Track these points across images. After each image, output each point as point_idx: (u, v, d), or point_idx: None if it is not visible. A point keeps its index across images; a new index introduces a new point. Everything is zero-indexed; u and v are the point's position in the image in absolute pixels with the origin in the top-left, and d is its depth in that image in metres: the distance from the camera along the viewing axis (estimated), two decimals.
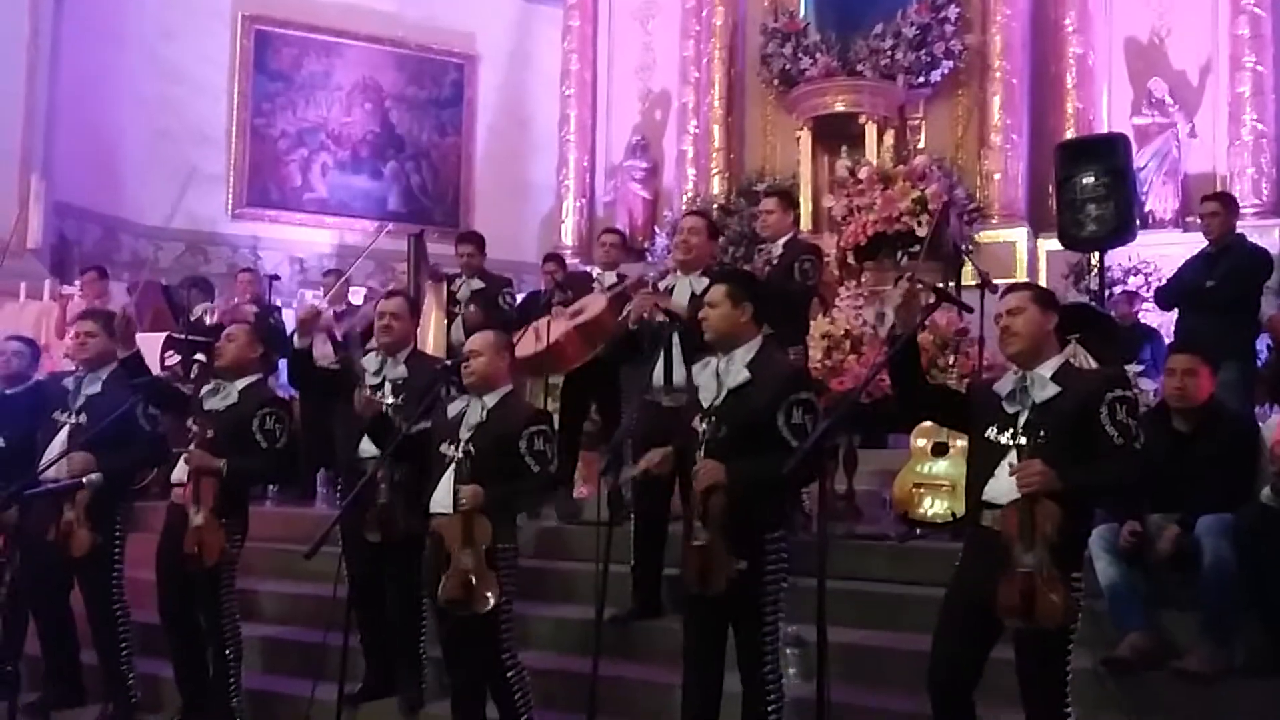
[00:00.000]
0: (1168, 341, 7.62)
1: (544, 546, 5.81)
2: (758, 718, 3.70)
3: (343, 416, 5.04)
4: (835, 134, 10.64)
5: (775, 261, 5.71)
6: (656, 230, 12.00)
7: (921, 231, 7.53)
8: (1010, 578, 3.25)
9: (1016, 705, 3.44)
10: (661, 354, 4.57)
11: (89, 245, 11.39)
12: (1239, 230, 6.63)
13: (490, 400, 4.24)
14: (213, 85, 12.60)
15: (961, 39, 10.64)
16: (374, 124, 13.34)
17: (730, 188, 11.46)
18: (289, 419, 4.95)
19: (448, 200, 13.68)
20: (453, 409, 4.31)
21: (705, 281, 4.64)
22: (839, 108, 10.54)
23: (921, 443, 5.74)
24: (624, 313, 5.12)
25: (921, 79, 10.69)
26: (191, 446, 4.75)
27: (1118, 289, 8.70)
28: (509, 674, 4.14)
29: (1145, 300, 8.51)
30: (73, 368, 5.52)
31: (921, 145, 10.51)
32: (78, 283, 9.13)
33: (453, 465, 4.14)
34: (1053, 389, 3.38)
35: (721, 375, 3.73)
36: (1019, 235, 10.22)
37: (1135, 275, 9.10)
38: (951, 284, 7.61)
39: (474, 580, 4.03)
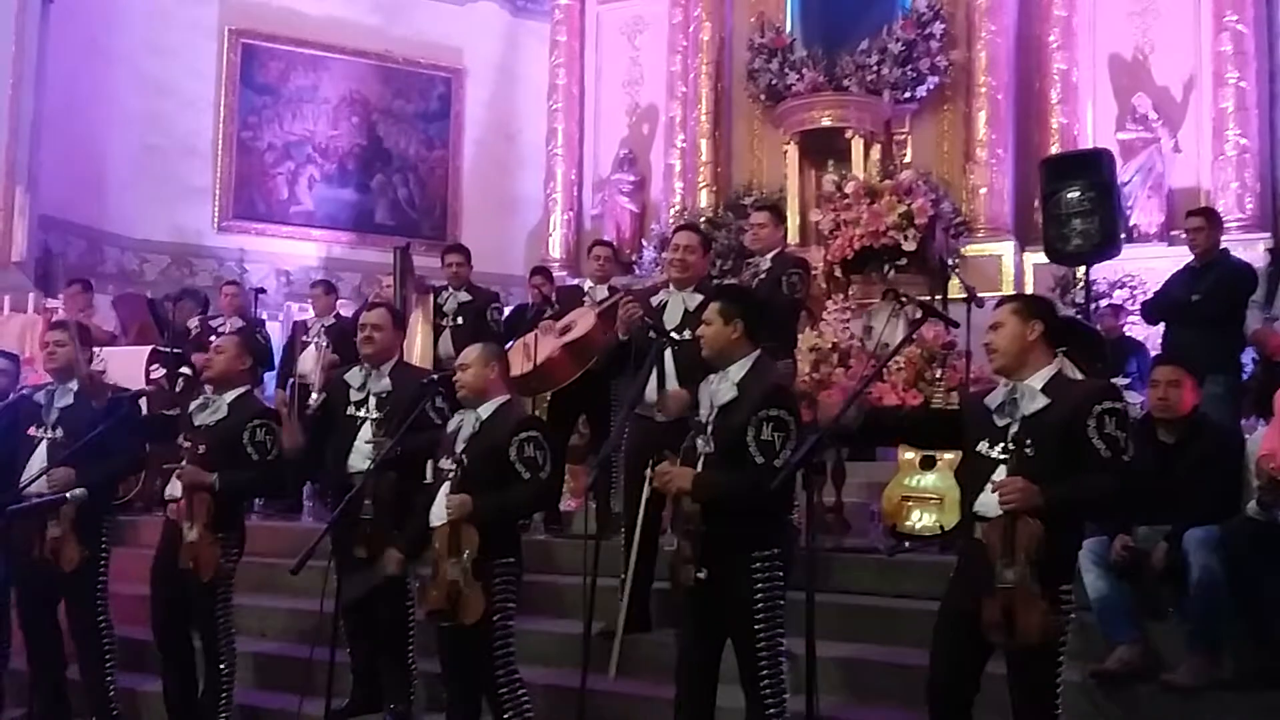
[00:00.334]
0: (1153, 354, 7.67)
1: (531, 559, 5.75)
2: None
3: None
4: (822, 148, 10.69)
5: (763, 275, 5.73)
6: (644, 243, 12.01)
7: (908, 245, 7.56)
8: (992, 594, 3.25)
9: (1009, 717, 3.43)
10: (655, 369, 4.56)
11: (74, 258, 11.33)
12: (1223, 245, 6.69)
13: (485, 412, 4.22)
14: (199, 98, 12.56)
15: (947, 55, 10.71)
16: (361, 137, 13.32)
17: (717, 201, 11.48)
18: (279, 431, 4.92)
19: (435, 214, 13.66)
20: (451, 424, 4.30)
21: (698, 298, 4.69)
22: (825, 122, 10.59)
23: (910, 456, 5.76)
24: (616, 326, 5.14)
25: (907, 94, 10.74)
26: (183, 463, 4.74)
27: (1103, 302, 8.74)
28: (502, 689, 4.09)
29: (1130, 313, 8.56)
30: None
31: (908, 160, 10.55)
32: (61, 295, 9.09)
33: (448, 479, 4.14)
34: (1042, 401, 3.36)
35: (713, 393, 3.77)
36: (1005, 249, 10.27)
37: (1120, 289, 9.15)
38: (938, 297, 7.65)
39: (460, 591, 4.01)
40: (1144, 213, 10.15)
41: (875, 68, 10.63)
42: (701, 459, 3.72)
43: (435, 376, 4.71)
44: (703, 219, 11.05)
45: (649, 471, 3.87)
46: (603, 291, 6.82)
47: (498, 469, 4.08)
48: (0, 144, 10.03)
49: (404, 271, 7.92)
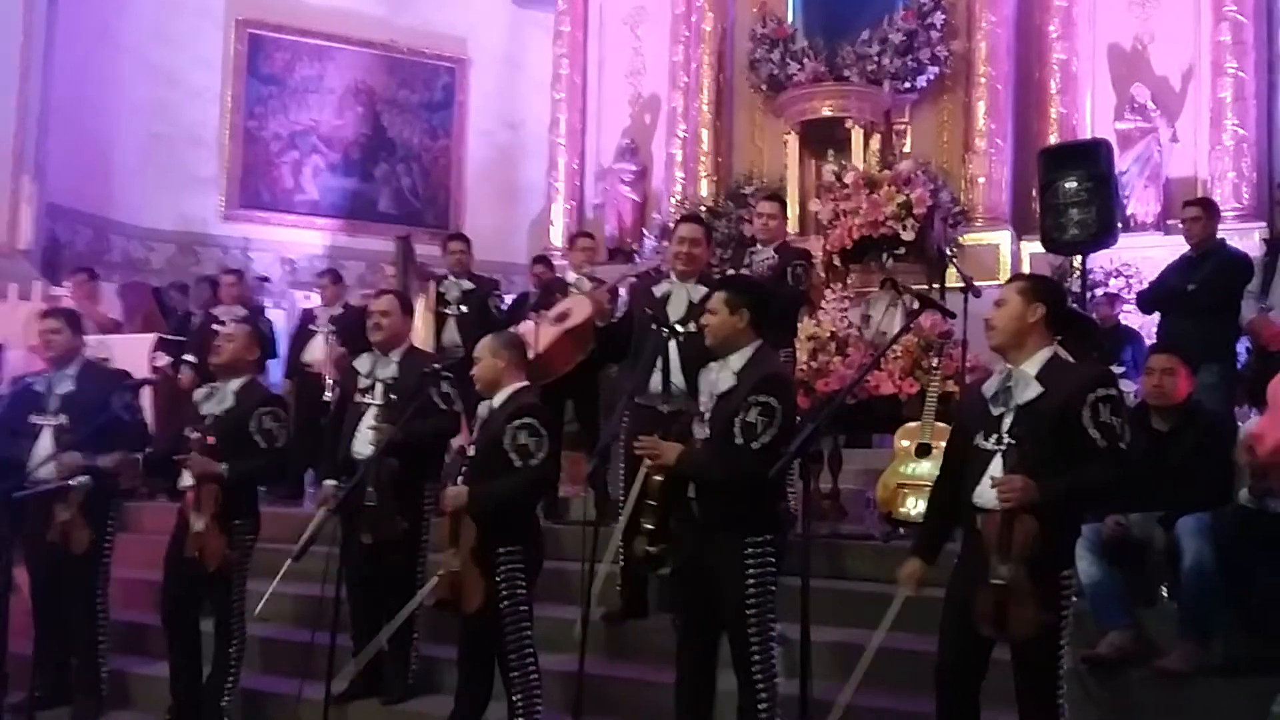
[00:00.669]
0: (1149, 343, 7.70)
1: None
2: (750, 713, 3.75)
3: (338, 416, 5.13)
4: (822, 138, 10.70)
5: (773, 265, 5.79)
6: (645, 232, 12.06)
7: (906, 235, 7.60)
8: (985, 588, 3.25)
9: (1013, 706, 3.46)
10: (660, 360, 4.61)
11: (80, 246, 11.39)
12: (1220, 234, 6.72)
13: (497, 401, 4.29)
14: (205, 88, 12.61)
15: (947, 45, 10.72)
16: (365, 127, 13.36)
17: (718, 191, 11.49)
18: (286, 417, 5.00)
19: (438, 203, 13.71)
20: (480, 413, 4.37)
21: (702, 289, 4.72)
22: (826, 112, 10.61)
23: (905, 443, 5.80)
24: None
25: (907, 84, 10.75)
26: (192, 454, 4.79)
27: (1099, 291, 8.77)
28: (514, 673, 4.18)
29: (1126, 302, 8.59)
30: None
31: (907, 149, 10.55)
32: (67, 284, 9.15)
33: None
34: (1035, 389, 3.32)
35: (713, 381, 3.82)
36: (1002, 238, 10.29)
37: (1117, 278, 9.17)
38: (936, 286, 7.69)
39: (461, 581, 4.10)
40: (1141, 202, 10.18)
41: (876, 58, 10.64)
42: (698, 444, 3.79)
43: (437, 366, 4.77)
44: (703, 208, 11.09)
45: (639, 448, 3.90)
46: (587, 282, 6.88)
47: (497, 458, 4.13)
48: (8, 132, 10.09)
49: (406, 260, 7.98)
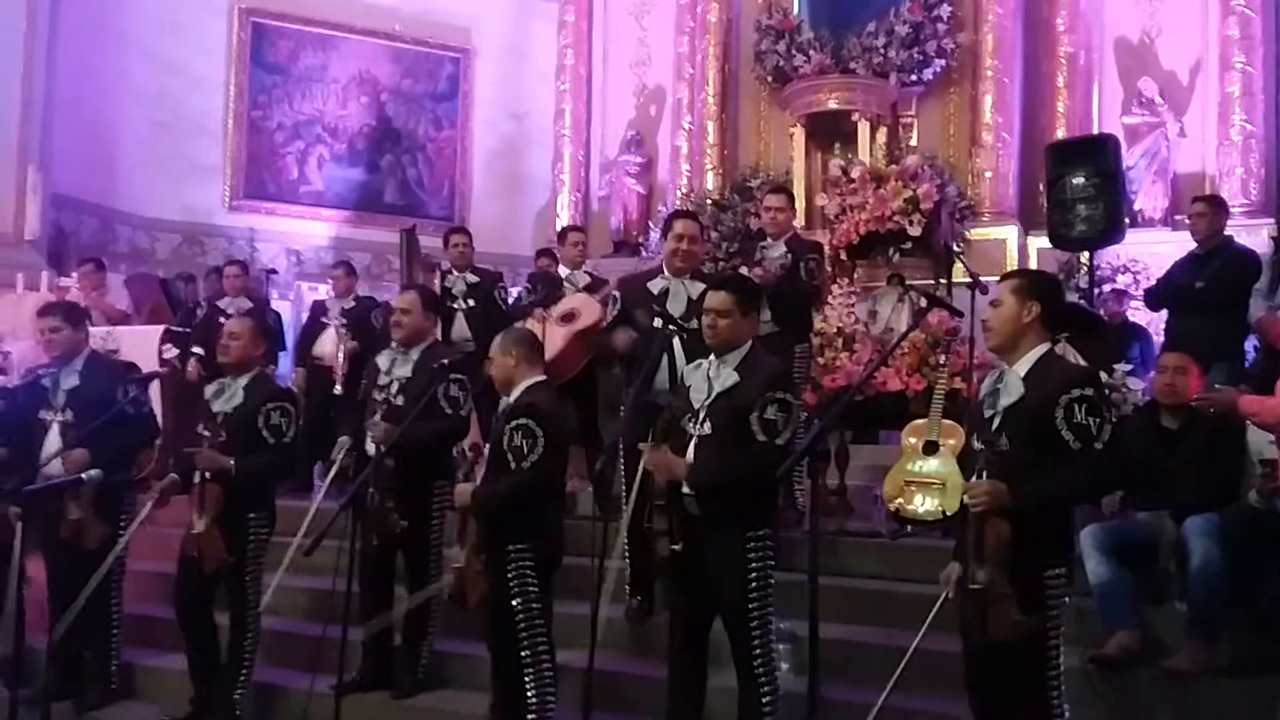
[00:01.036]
0: (1156, 340, 7.71)
1: None
2: (754, 713, 3.78)
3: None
4: (828, 131, 10.70)
5: (785, 260, 5.79)
6: (650, 225, 12.04)
7: (913, 230, 7.60)
8: (966, 593, 3.28)
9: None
10: (665, 358, 4.62)
11: (86, 236, 11.37)
12: (1227, 230, 6.71)
13: (510, 399, 4.33)
14: (209, 78, 12.56)
15: (954, 38, 10.70)
16: (370, 117, 13.33)
17: (724, 183, 11.48)
18: (295, 412, 4.99)
19: (443, 193, 13.68)
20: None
21: (699, 286, 4.75)
22: (832, 105, 10.60)
23: (913, 440, 5.78)
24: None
25: (914, 77, 10.75)
26: (201, 448, 4.81)
27: (1107, 287, 8.77)
28: (528, 670, 4.23)
29: (1134, 298, 8.58)
30: None
31: (914, 143, 10.56)
32: (74, 274, 9.15)
33: None
34: (1019, 392, 3.32)
35: (713, 378, 3.84)
36: (1009, 233, 10.29)
37: (1124, 274, 9.17)
38: (942, 281, 7.68)
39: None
40: (1148, 197, 10.17)
41: (882, 50, 10.63)
42: (694, 441, 3.80)
43: (445, 361, 4.78)
44: (709, 201, 11.10)
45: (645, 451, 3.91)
46: (581, 277, 6.87)
47: (501, 457, 4.20)
48: (12, 123, 10.07)
49: (410, 252, 7.99)
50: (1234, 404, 4.50)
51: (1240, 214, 9.14)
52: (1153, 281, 7.41)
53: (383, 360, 5.07)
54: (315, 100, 13.09)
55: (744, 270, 5.77)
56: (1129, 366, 6.08)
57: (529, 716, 4.22)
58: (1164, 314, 6.95)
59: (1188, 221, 6.86)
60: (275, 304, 9.66)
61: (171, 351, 7.85)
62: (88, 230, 11.50)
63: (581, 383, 6.18)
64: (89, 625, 5.20)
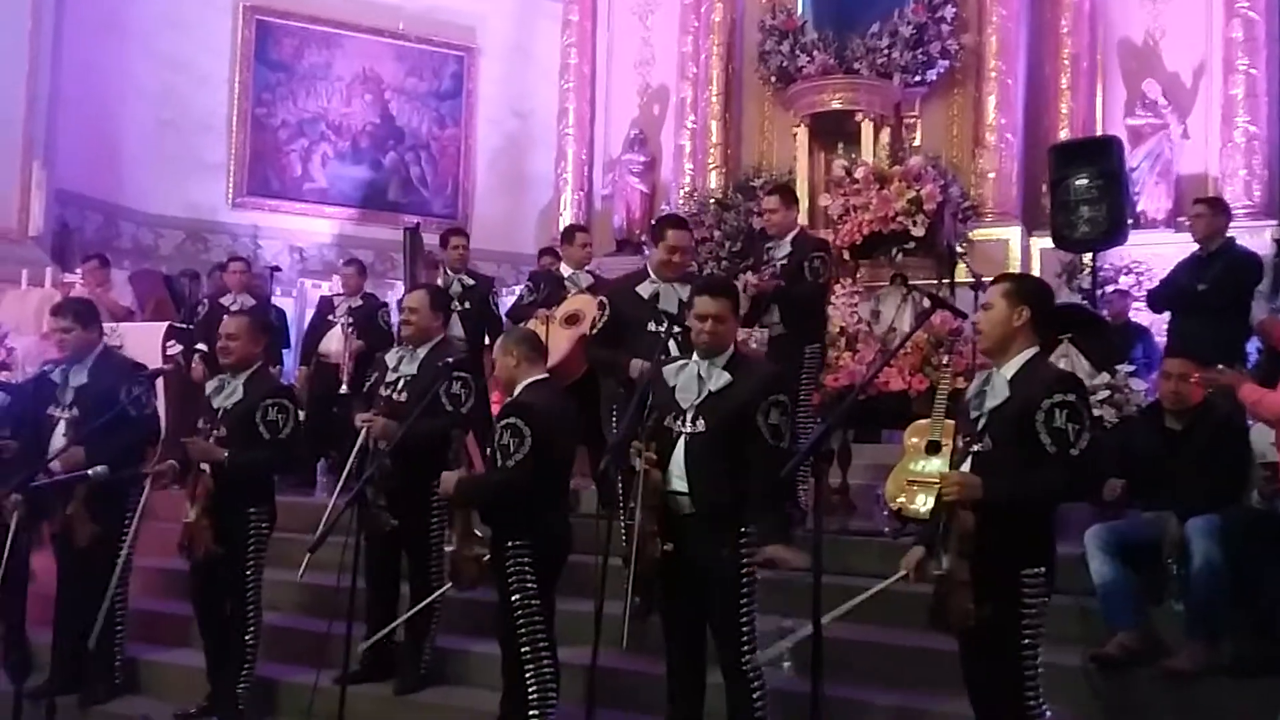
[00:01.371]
0: (1159, 341, 7.71)
1: None
2: (747, 711, 3.82)
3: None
4: (831, 131, 10.69)
5: (784, 261, 5.79)
6: (655, 222, 12.02)
7: (916, 231, 7.61)
8: (931, 579, 3.33)
9: None
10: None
11: (90, 233, 11.40)
12: (1230, 233, 6.72)
13: (512, 397, 4.39)
14: (214, 75, 12.58)
15: (958, 39, 10.68)
16: (374, 115, 13.33)
17: (727, 183, 11.47)
18: (293, 409, 5.00)
19: (447, 192, 13.68)
20: None
21: (686, 287, 4.70)
22: (835, 105, 10.57)
23: (915, 440, 5.79)
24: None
25: (918, 78, 10.72)
26: (193, 438, 4.83)
27: (1110, 288, 8.77)
28: (528, 666, 4.25)
29: (1137, 299, 8.58)
30: None
31: (917, 143, 10.55)
32: (79, 270, 9.16)
33: None
34: (1003, 394, 3.36)
35: (704, 378, 3.87)
36: (1012, 234, 10.28)
37: (1127, 275, 9.17)
38: (945, 281, 7.70)
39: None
40: (1151, 199, 10.17)
41: (886, 51, 10.61)
42: (684, 439, 3.83)
43: (450, 360, 4.79)
44: (712, 200, 11.11)
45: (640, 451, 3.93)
46: (585, 278, 6.86)
47: (493, 455, 4.27)
48: (18, 119, 10.10)
49: (414, 250, 7.99)
50: (1235, 387, 4.52)
51: (1243, 216, 9.15)
52: (1155, 283, 7.41)
53: (390, 358, 5.12)
54: (319, 98, 13.09)
55: (746, 277, 5.78)
56: (1132, 367, 6.09)
57: (531, 712, 4.24)
58: (1166, 315, 6.96)
59: (1187, 223, 6.86)
60: (278, 301, 9.66)
61: (175, 348, 7.86)
62: (92, 226, 11.53)
63: (584, 382, 6.18)
64: (94, 620, 5.21)
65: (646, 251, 11.48)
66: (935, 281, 7.83)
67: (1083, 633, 4.47)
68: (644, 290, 4.99)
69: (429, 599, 4.77)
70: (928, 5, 10.71)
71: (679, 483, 3.81)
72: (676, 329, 4.66)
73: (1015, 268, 9.78)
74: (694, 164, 11.95)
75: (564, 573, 4.61)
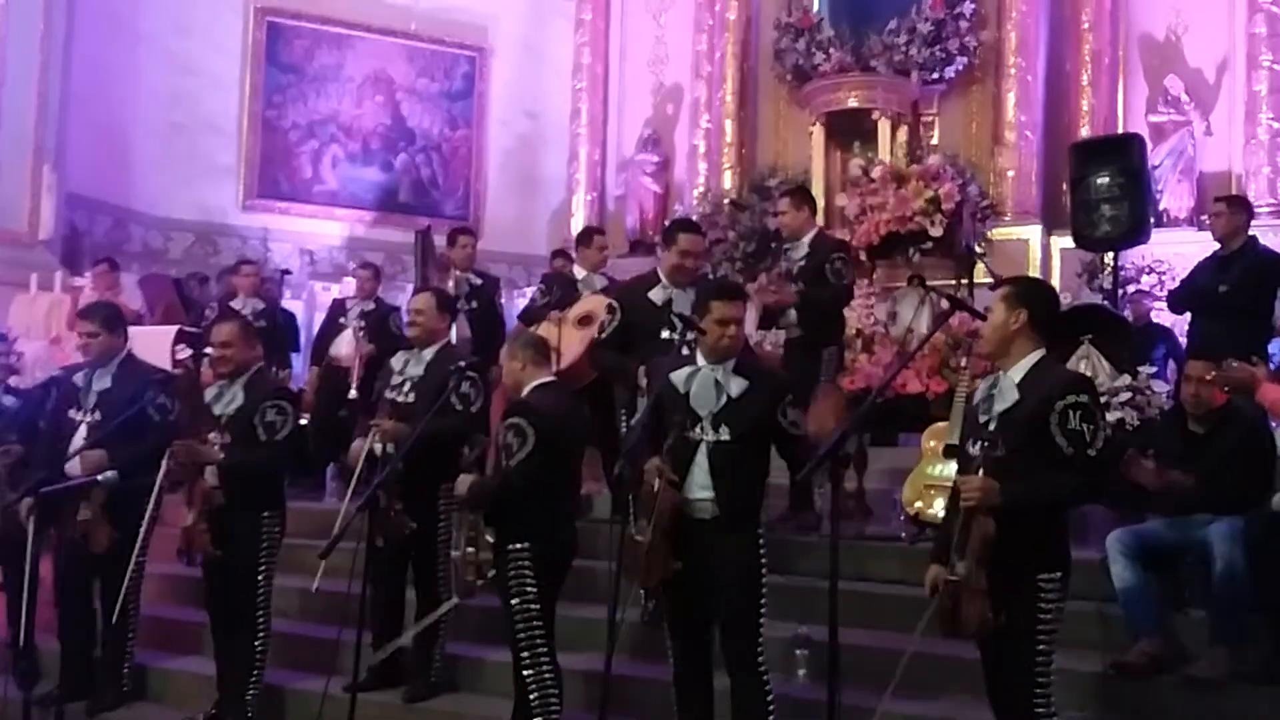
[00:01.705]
0: (1182, 341, 7.60)
1: None
2: (759, 709, 3.84)
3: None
4: (848, 130, 10.62)
5: (802, 263, 5.72)
6: (667, 225, 11.95)
7: (934, 231, 7.52)
8: (944, 585, 3.31)
9: None
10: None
11: (99, 236, 11.38)
12: (1254, 231, 6.60)
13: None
14: (224, 77, 12.54)
15: (976, 35, 10.57)
16: (385, 116, 13.28)
17: (742, 183, 11.40)
18: (293, 411, 4.97)
19: (458, 193, 13.62)
20: None
21: (693, 290, 4.69)
22: (852, 103, 10.50)
23: (932, 444, 5.71)
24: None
25: (936, 75, 10.63)
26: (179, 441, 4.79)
27: (1131, 288, 8.66)
28: (527, 672, 4.24)
29: (1159, 299, 8.47)
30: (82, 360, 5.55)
31: (935, 141, 10.47)
32: (88, 274, 9.15)
33: None
34: (1013, 397, 3.36)
35: (722, 383, 3.88)
36: (1032, 233, 10.18)
37: (1149, 274, 9.06)
38: (964, 282, 7.61)
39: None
40: (1174, 197, 10.06)
41: (903, 48, 10.51)
42: (706, 447, 3.83)
43: (463, 364, 4.76)
44: (726, 200, 11.03)
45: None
46: (599, 280, 6.78)
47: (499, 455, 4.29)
48: (28, 123, 10.11)
49: (426, 253, 7.94)
50: (1254, 384, 4.46)
51: (1267, 214, 9.08)
52: (1178, 283, 7.31)
53: (396, 362, 5.10)
54: (330, 99, 13.05)
55: (761, 280, 5.71)
56: (1153, 369, 6.00)
57: (535, 719, 4.22)
58: (1188, 316, 6.85)
59: (1208, 222, 6.76)
60: (287, 304, 9.64)
61: (185, 352, 7.82)
62: (101, 229, 11.51)
63: (598, 385, 6.10)
64: (91, 628, 5.26)
65: (659, 253, 11.44)
66: (953, 282, 7.76)
67: (1104, 638, 4.44)
68: (656, 296, 4.97)
69: (435, 614, 4.70)
70: (946, 1, 10.60)
71: (701, 491, 3.82)
72: (690, 335, 4.58)
73: (1035, 268, 9.70)
74: (708, 164, 11.88)
75: (575, 578, 4.57)
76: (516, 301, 9.55)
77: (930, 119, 10.77)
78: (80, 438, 5.06)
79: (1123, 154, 7.51)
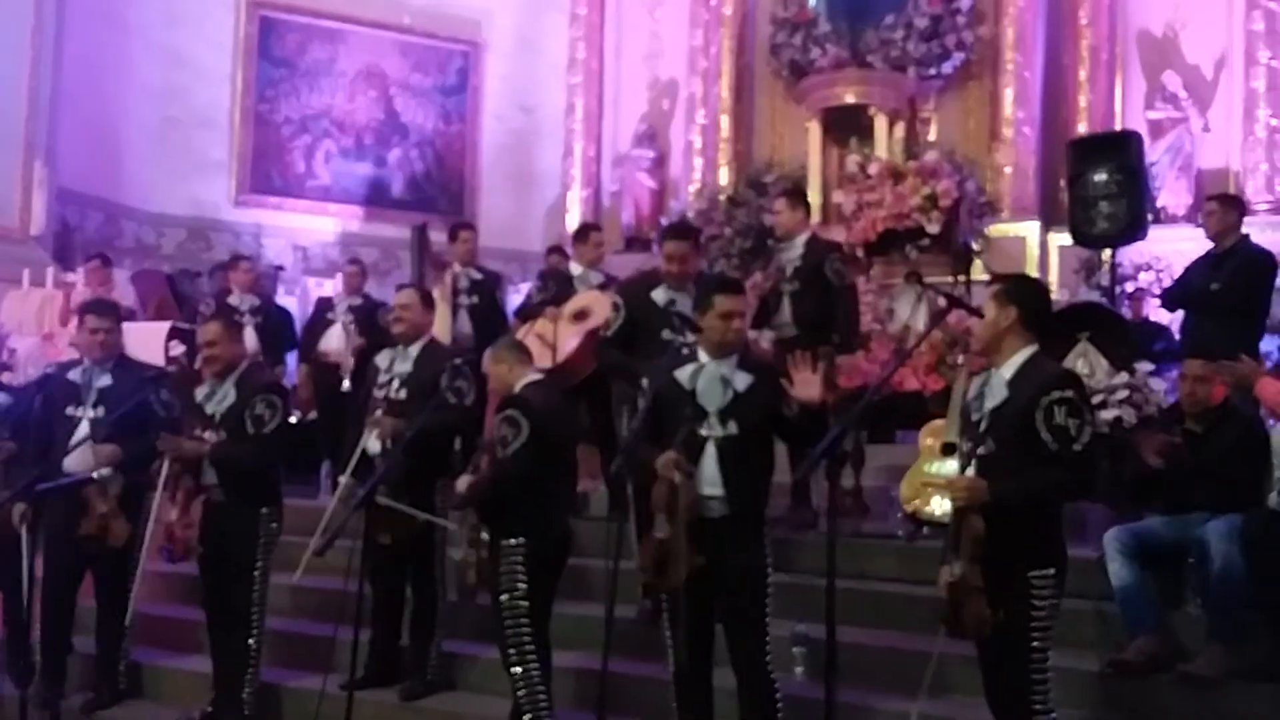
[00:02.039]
0: (1178, 338, 7.58)
1: None
2: (767, 710, 3.84)
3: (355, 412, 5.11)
4: (845, 125, 10.61)
5: (798, 263, 5.70)
6: (663, 221, 11.93)
7: (931, 228, 7.51)
8: (945, 586, 3.32)
9: None
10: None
11: (91, 231, 11.33)
12: (1251, 228, 6.59)
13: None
14: (216, 71, 12.48)
15: (974, 30, 10.56)
16: (378, 111, 13.22)
17: (738, 179, 11.39)
18: (283, 405, 4.96)
19: (452, 189, 13.57)
20: None
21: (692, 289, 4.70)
22: (849, 99, 10.50)
23: (930, 441, 5.70)
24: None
25: (933, 71, 10.61)
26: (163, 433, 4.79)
27: (1129, 285, 8.66)
28: (514, 669, 4.23)
29: (1156, 297, 8.46)
30: (76, 356, 5.52)
31: (932, 138, 10.46)
32: (81, 270, 9.09)
33: None
34: (1002, 395, 3.38)
35: (729, 378, 3.87)
36: (1030, 230, 10.18)
37: (1147, 271, 9.06)
38: (961, 279, 7.59)
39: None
40: (1172, 193, 10.07)
41: (900, 43, 10.50)
42: (714, 443, 3.82)
43: (459, 361, 4.76)
44: (722, 196, 11.00)
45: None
46: (595, 276, 6.75)
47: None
48: (19, 118, 10.06)
49: (422, 249, 7.90)
50: (1252, 378, 4.49)
51: (1265, 211, 9.13)
52: (1170, 284, 7.31)
53: (382, 359, 5.10)
54: (323, 94, 12.98)
55: (758, 279, 5.71)
56: (1151, 367, 5.98)
57: (524, 716, 4.22)
58: (1183, 314, 6.83)
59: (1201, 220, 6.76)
60: (281, 300, 9.61)
61: (178, 349, 7.79)
62: (93, 225, 11.47)
63: (595, 382, 6.07)
64: (101, 625, 5.23)
65: (655, 249, 11.41)
66: (951, 279, 7.74)
67: (1101, 636, 4.45)
68: (659, 298, 4.98)
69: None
70: None
71: (711, 488, 3.81)
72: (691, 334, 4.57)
73: (1032, 264, 9.70)
74: (704, 160, 11.87)
75: (572, 576, 4.55)
76: (512, 298, 9.50)
77: (927, 115, 10.77)
78: (82, 434, 5.03)
79: (1120, 151, 7.50)
